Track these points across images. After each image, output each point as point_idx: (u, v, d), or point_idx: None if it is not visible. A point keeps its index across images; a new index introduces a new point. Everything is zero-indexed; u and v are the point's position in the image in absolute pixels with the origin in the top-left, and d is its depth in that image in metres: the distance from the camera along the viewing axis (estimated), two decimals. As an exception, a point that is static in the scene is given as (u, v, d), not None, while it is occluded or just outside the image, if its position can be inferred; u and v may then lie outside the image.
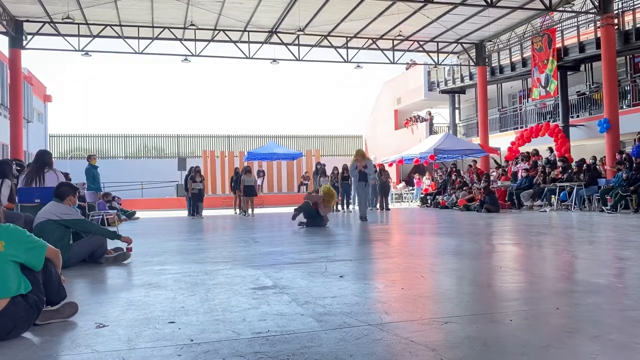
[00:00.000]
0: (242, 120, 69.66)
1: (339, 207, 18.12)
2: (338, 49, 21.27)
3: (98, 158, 14.48)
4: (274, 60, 21.12)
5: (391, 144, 29.90)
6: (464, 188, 17.61)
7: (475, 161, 20.83)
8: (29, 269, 2.89)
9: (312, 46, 21.11)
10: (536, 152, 18.02)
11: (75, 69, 76.81)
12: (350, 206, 18.63)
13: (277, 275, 4.44)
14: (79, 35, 18.67)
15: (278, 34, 19.92)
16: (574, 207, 13.82)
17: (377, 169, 18.02)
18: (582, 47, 17.97)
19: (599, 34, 16.68)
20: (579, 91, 20.71)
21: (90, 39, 18.88)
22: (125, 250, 5.75)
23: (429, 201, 19.64)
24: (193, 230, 10.56)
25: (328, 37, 20.66)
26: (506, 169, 18.59)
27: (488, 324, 2.78)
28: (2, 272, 2.73)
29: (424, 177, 23.40)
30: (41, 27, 18.05)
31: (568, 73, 19.73)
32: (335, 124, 72.83)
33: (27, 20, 17.82)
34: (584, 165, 14.55)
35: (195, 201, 16.11)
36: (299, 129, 62.41)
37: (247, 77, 77.70)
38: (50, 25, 18.00)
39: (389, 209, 17.62)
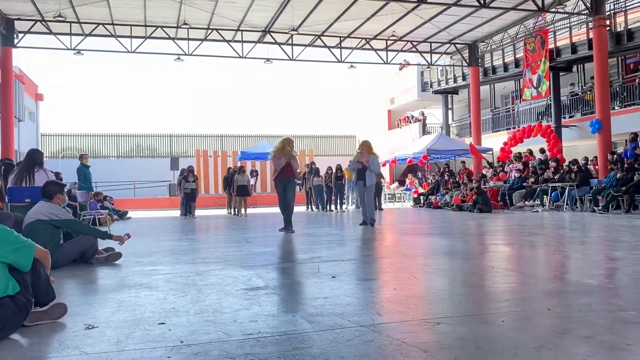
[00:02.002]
0: (235, 119, 69.62)
1: (332, 207, 18.13)
2: (331, 49, 21.27)
3: (90, 157, 14.40)
4: (268, 59, 21.09)
5: (384, 144, 29.92)
6: (459, 188, 17.65)
7: (463, 162, 20.90)
8: (17, 269, 2.86)
9: (306, 46, 21.10)
10: (530, 153, 18.09)
11: (67, 67, 76.44)
12: (344, 206, 18.63)
13: (269, 276, 4.42)
14: (70, 34, 18.56)
15: (271, 34, 19.88)
16: (566, 208, 13.88)
17: None
18: (574, 48, 18.07)
19: (591, 35, 16.77)
20: (572, 91, 20.80)
21: (82, 37, 18.78)
22: (115, 250, 5.71)
23: (422, 201, 19.68)
24: (185, 230, 10.51)
25: (322, 37, 20.65)
26: (498, 170, 18.65)
27: (480, 324, 2.77)
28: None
29: (415, 177, 23.40)
30: (33, 26, 17.93)
31: (560, 74, 19.83)
32: (328, 123, 72.90)
33: (19, 19, 17.70)
34: (575, 166, 14.63)
35: (188, 201, 16.05)
36: (293, 129, 62.39)
37: (240, 77, 77.62)
38: (42, 24, 17.89)
39: (381, 209, 17.62)
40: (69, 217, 5.56)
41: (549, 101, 20.38)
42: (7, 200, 6.63)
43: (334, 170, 18.11)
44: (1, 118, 17.97)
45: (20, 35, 18.21)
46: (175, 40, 19.71)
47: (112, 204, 16.71)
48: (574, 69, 20.31)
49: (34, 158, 6.69)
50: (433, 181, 20.60)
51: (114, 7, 17.04)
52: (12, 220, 5.34)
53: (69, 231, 5.56)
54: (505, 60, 21.73)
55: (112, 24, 18.46)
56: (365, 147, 10.04)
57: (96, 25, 18.38)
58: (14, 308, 2.74)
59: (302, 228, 10.47)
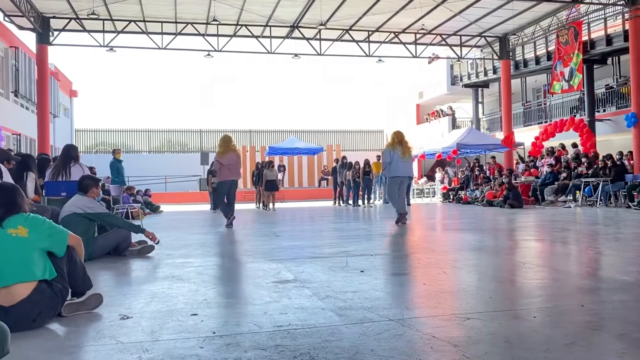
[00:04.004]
0: (263, 115, 69.85)
1: (360, 202, 18.04)
2: (360, 43, 21.17)
3: (123, 152, 14.69)
4: (296, 55, 21.11)
5: (413, 138, 29.63)
6: (489, 183, 17.42)
7: (494, 157, 20.59)
8: (54, 257, 2.97)
9: (334, 40, 21.04)
10: (562, 147, 17.73)
11: (100, 64, 77.88)
12: (371, 201, 18.53)
13: (298, 269, 4.45)
14: (103, 31, 18.90)
15: (299, 29, 19.90)
16: (600, 203, 13.57)
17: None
18: (609, 39, 17.59)
19: (627, 27, 16.30)
20: (608, 84, 20.26)
21: (115, 34, 19.10)
22: (148, 243, 5.83)
23: (451, 197, 19.50)
24: (215, 224, 10.65)
25: (350, 31, 20.56)
26: (530, 165, 18.33)
27: (510, 320, 2.75)
28: (28, 257, 2.82)
29: (445, 171, 23.14)
30: (67, 24, 18.32)
31: (595, 66, 19.34)
32: (356, 118, 72.54)
33: (54, 17, 18.10)
34: (609, 161, 14.27)
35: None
36: (320, 124, 62.35)
37: (268, 72, 77.84)
38: (76, 22, 18.26)
39: (409, 204, 17.47)
40: (103, 210, 5.70)
41: (582, 94, 19.92)
42: (44, 194, 6.83)
43: (361, 165, 17.99)
44: (38, 114, 18.45)
45: (55, 32, 18.62)
46: (205, 37, 19.89)
47: (150, 197, 17.13)
48: (609, 61, 19.78)
49: (70, 153, 6.87)
50: (462, 176, 20.37)
51: (145, 4, 17.29)
52: (49, 213, 5.50)
53: (103, 224, 5.70)
54: (537, 53, 21.29)
55: (144, 20, 18.73)
56: (391, 138, 9.52)
57: (128, 22, 18.68)
58: (50, 294, 2.86)
59: (330, 223, 10.50)
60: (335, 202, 19.05)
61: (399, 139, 9.38)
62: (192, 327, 2.72)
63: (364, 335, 2.50)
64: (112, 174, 12.51)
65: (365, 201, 17.85)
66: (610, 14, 18.06)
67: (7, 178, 5.66)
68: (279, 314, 2.95)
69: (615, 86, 19.77)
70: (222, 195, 9.62)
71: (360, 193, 18.07)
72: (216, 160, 9.48)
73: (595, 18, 18.80)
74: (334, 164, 20.13)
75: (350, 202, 18.09)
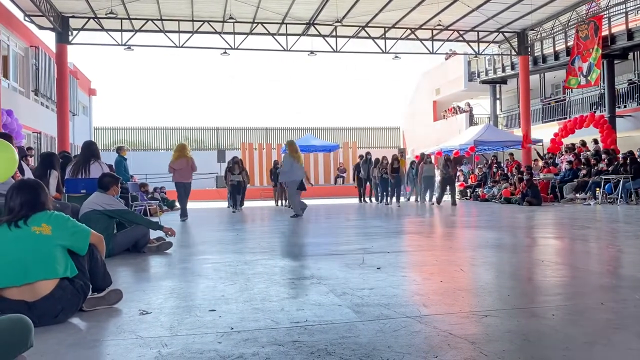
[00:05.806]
0: (279, 112, 70.00)
1: (392, 199, 17.28)
2: (376, 40, 21.09)
3: (140, 150, 14.80)
4: (312, 52, 21.10)
5: (429, 135, 29.56)
6: (507, 180, 17.24)
7: (512, 154, 20.37)
8: (75, 254, 3.01)
9: (350, 37, 20.98)
10: (583, 144, 17.48)
11: (118, 63, 78.62)
12: (401, 199, 17.68)
13: (315, 266, 4.46)
14: (121, 30, 19.09)
15: (315, 26, 19.88)
16: (620, 201, 13.38)
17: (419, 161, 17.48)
18: (630, 34, 17.30)
19: (648, 20, 16.03)
20: (631, 79, 19.92)
21: (133, 33, 19.28)
22: (166, 240, 5.89)
23: (469, 194, 19.35)
24: (232, 221, 10.72)
25: (366, 28, 20.49)
26: (549, 161, 18.11)
27: (529, 318, 2.73)
28: (51, 254, 2.86)
29: (461, 168, 22.90)
30: (86, 23, 18.54)
31: (615, 62, 19.03)
32: (373, 115, 72.32)
33: (73, 16, 18.32)
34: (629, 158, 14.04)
35: (234, 193, 16.24)
36: (336, 121, 62.33)
37: (284, 70, 77.91)
38: (95, 21, 18.47)
39: (454, 204, 15.25)
40: (122, 207, 5.76)
41: (602, 90, 19.63)
42: (64, 191, 6.93)
43: (389, 161, 17.02)
44: (57, 112, 18.70)
45: (74, 32, 18.84)
46: (222, 35, 19.98)
47: (165, 194, 17.28)
48: (630, 56, 19.45)
49: (91, 150, 6.95)
50: (480, 173, 20.21)
51: (162, 3, 17.42)
52: (69, 210, 5.58)
53: (122, 221, 5.77)
54: (556, 49, 21.02)
55: (161, 19, 18.88)
56: (291, 148, 10.98)
57: (146, 21, 18.84)
58: (72, 290, 2.90)
59: (348, 221, 10.51)
60: (361, 200, 18.67)
61: (295, 149, 10.98)
62: (210, 323, 2.75)
63: (380, 332, 2.51)
64: (120, 172, 12.52)
65: (395, 200, 16.76)
66: (632, 7, 17.76)
67: (28, 175, 5.75)
68: (296, 310, 2.96)
69: (637, 81, 19.44)
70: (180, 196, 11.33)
71: (390, 190, 17.04)
72: (170, 165, 11.16)
73: (616, 12, 18.51)
74: (358, 160, 19.51)
75: (379, 200, 17.26)
